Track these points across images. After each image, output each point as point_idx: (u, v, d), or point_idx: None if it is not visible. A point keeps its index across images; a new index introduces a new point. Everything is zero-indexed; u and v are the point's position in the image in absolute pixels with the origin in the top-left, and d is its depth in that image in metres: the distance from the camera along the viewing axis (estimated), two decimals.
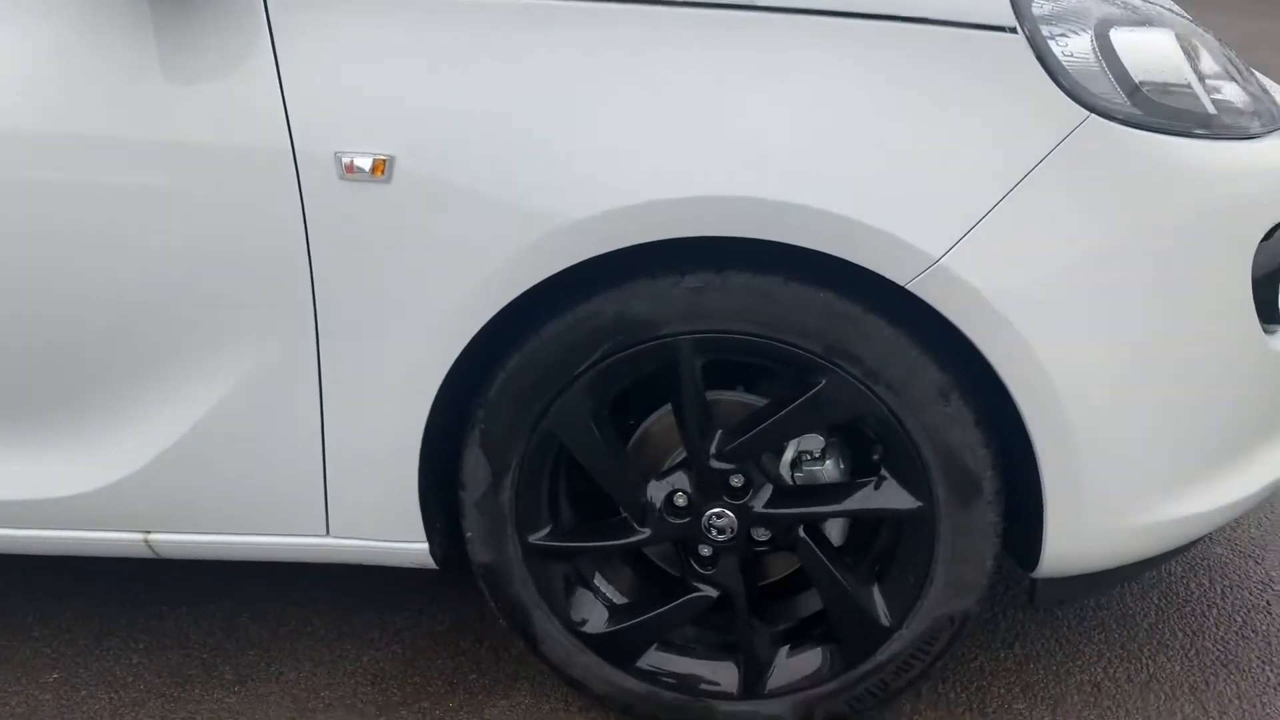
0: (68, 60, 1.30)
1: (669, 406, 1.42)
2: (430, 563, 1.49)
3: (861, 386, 1.28)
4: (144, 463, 1.46)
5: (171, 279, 1.34)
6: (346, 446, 1.40)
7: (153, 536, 1.53)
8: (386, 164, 1.26)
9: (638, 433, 1.46)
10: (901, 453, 1.31)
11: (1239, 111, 1.36)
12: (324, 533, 1.48)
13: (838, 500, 1.39)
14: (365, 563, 1.52)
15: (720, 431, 1.37)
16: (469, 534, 1.45)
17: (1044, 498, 1.31)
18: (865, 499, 1.36)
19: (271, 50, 1.27)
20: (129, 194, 1.32)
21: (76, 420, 1.46)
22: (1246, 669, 1.57)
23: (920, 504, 1.33)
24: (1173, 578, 1.78)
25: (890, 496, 1.35)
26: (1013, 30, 1.23)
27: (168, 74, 1.29)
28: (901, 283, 1.21)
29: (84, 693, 1.68)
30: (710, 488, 1.39)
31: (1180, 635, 1.65)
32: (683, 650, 1.50)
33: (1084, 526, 1.32)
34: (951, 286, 1.21)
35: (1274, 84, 1.62)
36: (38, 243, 1.34)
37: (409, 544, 1.47)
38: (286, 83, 1.27)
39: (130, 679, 1.70)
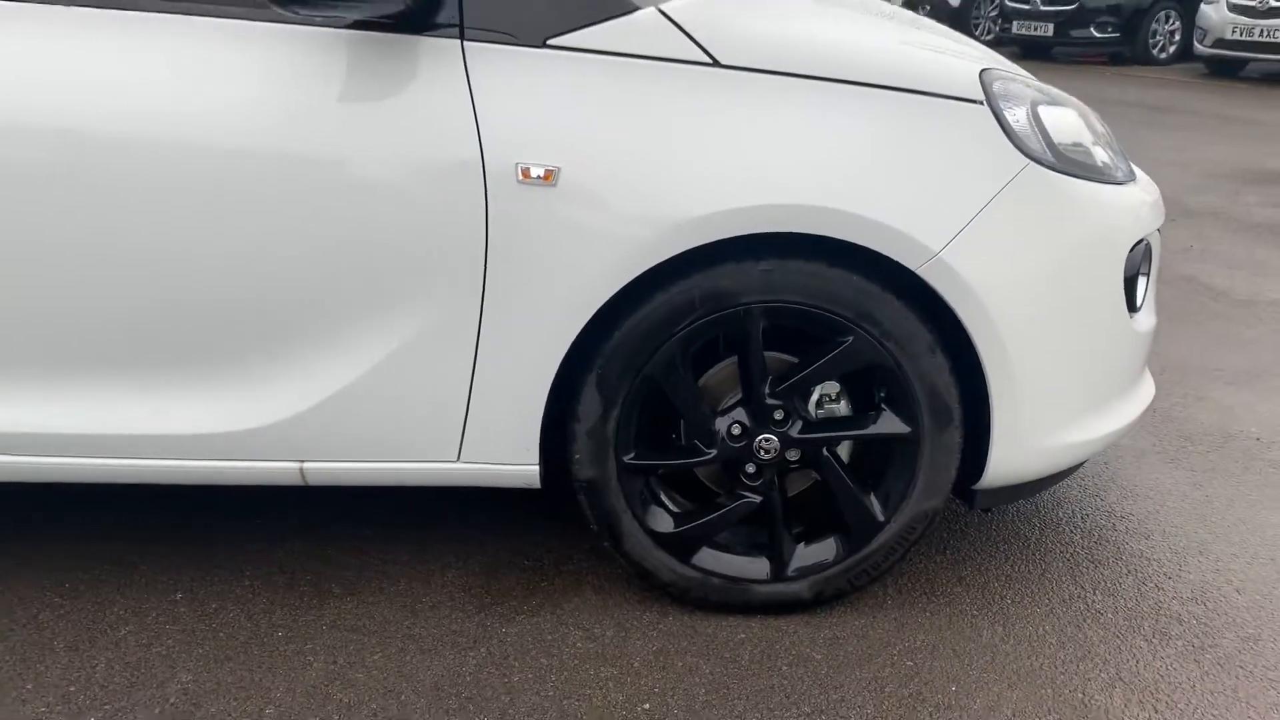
0: (312, 90, 1.72)
1: (725, 361, 1.93)
2: (536, 482, 1.94)
3: (877, 343, 1.83)
4: (315, 402, 1.85)
5: (373, 255, 1.76)
6: (491, 388, 1.84)
7: (307, 465, 1.91)
8: (555, 173, 1.73)
9: (701, 380, 1.95)
10: (900, 391, 1.87)
11: (1112, 165, 2.01)
12: (455, 459, 1.91)
13: (851, 428, 1.94)
14: (482, 484, 1.94)
15: (770, 377, 1.89)
16: (577, 455, 1.90)
17: (992, 425, 1.88)
18: (870, 426, 1.91)
19: (468, 85, 1.73)
20: (348, 189, 1.73)
21: (263, 366, 1.84)
22: (1099, 560, 2.20)
23: (910, 429, 1.89)
24: (1046, 508, 2.41)
25: (888, 424, 1.90)
26: (981, 103, 1.83)
27: (389, 101, 1.72)
28: (913, 268, 1.77)
29: (214, 605, 2.02)
30: (761, 419, 1.90)
31: (1055, 543, 2.27)
32: (726, 549, 2.00)
33: (1018, 446, 1.91)
34: (944, 272, 1.78)
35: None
36: (273, 224, 1.73)
37: (523, 466, 1.91)
38: (479, 110, 1.72)
39: (250, 595, 2.05)
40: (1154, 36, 11.27)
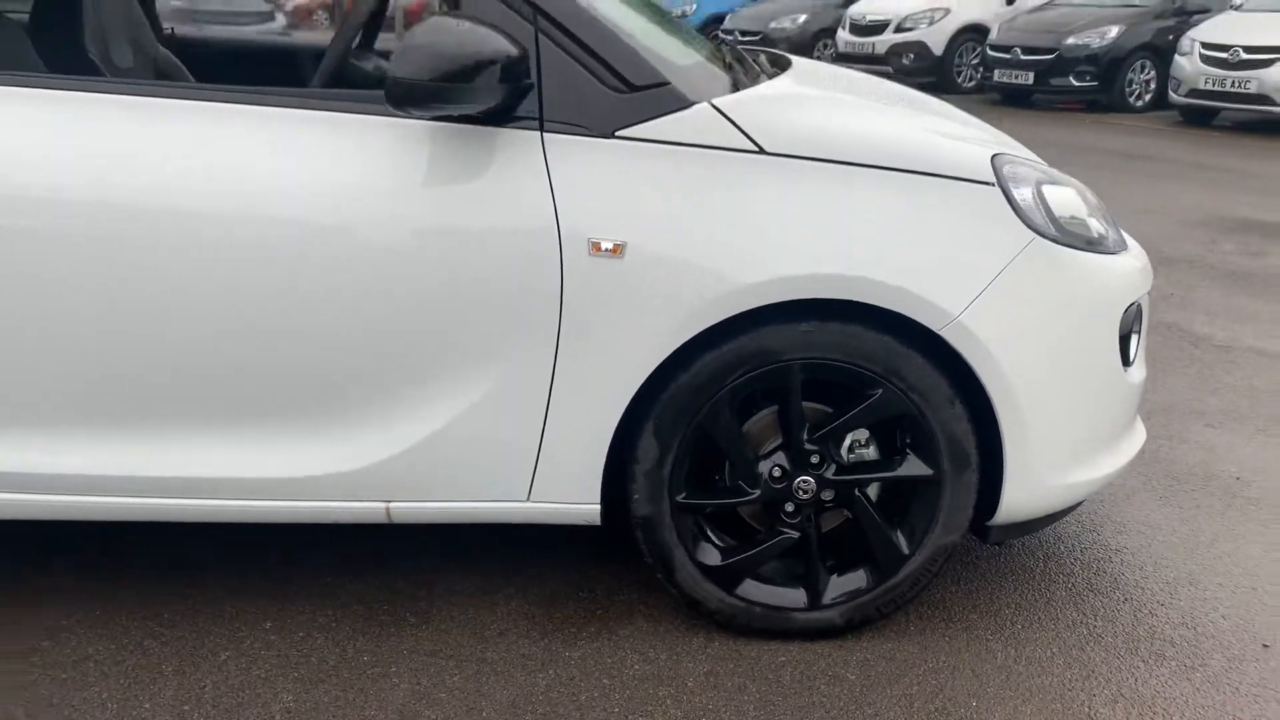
0: (407, 173, 1.95)
1: (766, 410, 2.16)
2: (597, 520, 2.16)
3: (903, 395, 2.07)
4: (403, 448, 2.07)
5: (460, 318, 1.99)
6: (559, 435, 2.07)
7: (393, 505, 2.13)
8: (622, 247, 1.97)
9: (745, 427, 2.18)
10: (923, 437, 2.10)
11: (1106, 236, 2.26)
12: (525, 499, 2.13)
13: (879, 471, 2.17)
14: (548, 521, 2.16)
15: (807, 425, 2.13)
16: (635, 495, 2.13)
17: (1004, 467, 2.12)
18: (896, 469, 2.15)
19: (546, 170, 1.97)
20: (438, 259, 1.96)
21: (357, 416, 2.06)
22: (1098, 590, 2.43)
23: (932, 472, 2.12)
24: (1049, 543, 2.64)
25: (912, 467, 2.13)
26: (993, 185, 2.09)
27: (477, 183, 1.96)
28: (936, 329, 2.02)
29: (301, 633, 2.23)
30: (800, 463, 2.13)
31: (1058, 574, 2.50)
32: (767, 580, 2.22)
33: (1027, 486, 2.15)
34: (963, 333, 2.02)
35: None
36: (373, 290, 1.96)
37: (586, 505, 2.13)
38: (556, 191, 1.96)
39: (333, 624, 2.26)
40: (1130, 85, 11.66)
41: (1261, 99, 10.00)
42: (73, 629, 2.20)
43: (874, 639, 2.23)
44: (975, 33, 13.35)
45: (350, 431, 2.08)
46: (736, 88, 2.22)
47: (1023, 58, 11.91)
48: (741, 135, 2.01)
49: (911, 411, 2.09)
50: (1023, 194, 2.12)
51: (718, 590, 2.19)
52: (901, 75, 13.40)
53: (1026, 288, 2.07)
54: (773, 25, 15.29)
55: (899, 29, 13.42)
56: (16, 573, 2.40)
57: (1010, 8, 13.36)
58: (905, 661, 2.17)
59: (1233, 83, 10.13)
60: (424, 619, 2.28)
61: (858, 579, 2.21)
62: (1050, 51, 11.67)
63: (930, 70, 13.45)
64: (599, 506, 2.14)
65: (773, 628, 2.22)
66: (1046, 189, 2.18)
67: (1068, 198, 2.22)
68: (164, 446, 2.07)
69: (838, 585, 2.22)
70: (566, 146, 1.98)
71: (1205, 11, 11.67)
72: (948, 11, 13.43)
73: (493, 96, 1.88)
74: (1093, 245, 2.20)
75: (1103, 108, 11.73)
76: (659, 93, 2.00)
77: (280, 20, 13.73)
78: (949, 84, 13.52)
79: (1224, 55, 10.17)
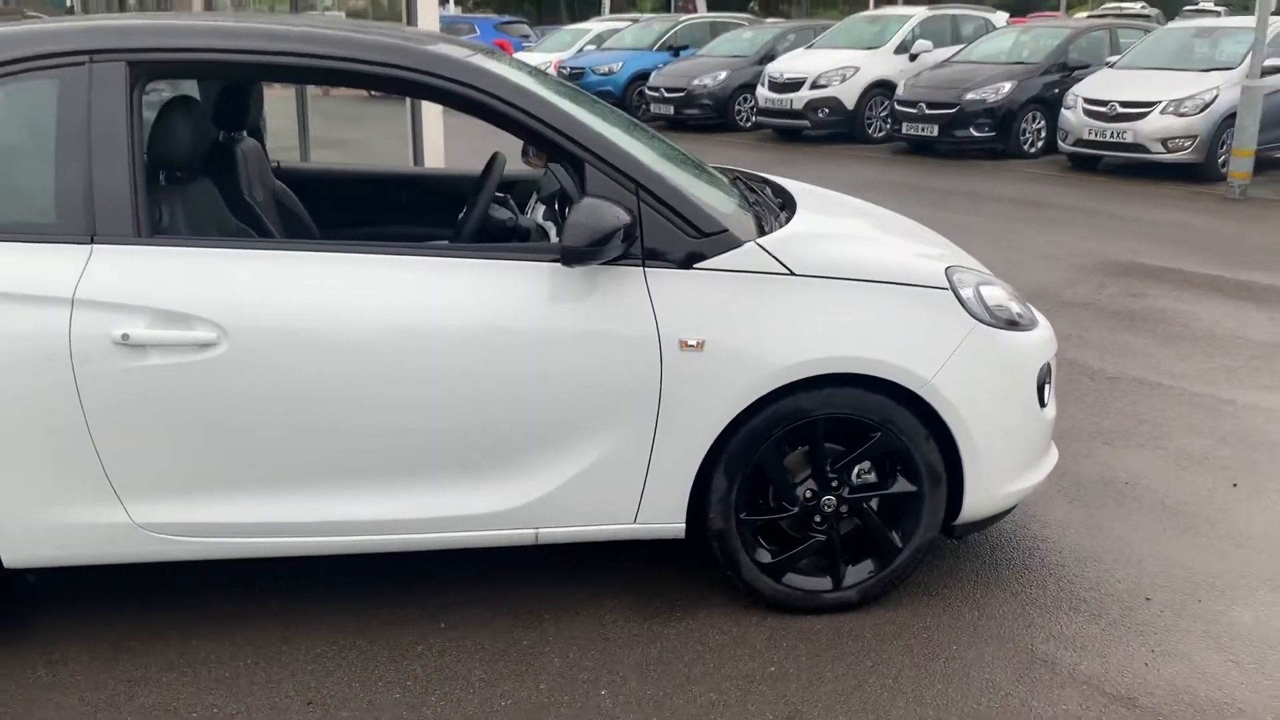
0: (545, 299, 2.82)
1: (798, 449, 3.06)
2: (682, 534, 3.04)
3: (895, 436, 3.00)
4: (550, 490, 2.93)
5: (590, 396, 2.86)
6: (658, 475, 2.94)
7: (540, 531, 2.99)
8: (703, 343, 2.86)
9: (784, 461, 3.08)
10: (909, 465, 3.03)
11: (1025, 317, 3.23)
12: (633, 521, 3.00)
13: (879, 490, 3.09)
14: (646, 538, 3.03)
15: (829, 459, 3.04)
16: (711, 515, 3.01)
17: (964, 483, 3.06)
18: (891, 488, 3.07)
19: (648, 292, 2.86)
20: (575, 357, 2.83)
21: (519, 468, 2.91)
22: (1030, 567, 3.38)
23: (916, 488, 3.05)
24: (992, 535, 3.59)
25: (902, 486, 3.06)
26: (947, 289, 3.04)
27: (599, 302, 2.84)
28: (915, 390, 2.95)
29: (474, 639, 3.06)
30: (824, 486, 3.05)
31: (1001, 557, 3.45)
32: (803, 572, 3.12)
33: (980, 495, 3.08)
34: (933, 391, 2.96)
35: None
36: (528, 379, 2.82)
37: (675, 524, 3.01)
38: (655, 306, 2.84)
39: (504, 625, 3.09)
40: (1024, 134, 12.97)
41: (1137, 147, 11.32)
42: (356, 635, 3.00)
43: (880, 609, 3.15)
44: (883, 88, 14.59)
45: (513, 479, 2.92)
46: (760, 224, 3.13)
47: (927, 111, 13.14)
48: (778, 263, 2.93)
49: (901, 447, 3.02)
50: (967, 294, 3.08)
51: (770, 581, 3.09)
52: (817, 128, 14.60)
53: (973, 358, 3.02)
54: (695, 83, 16.37)
55: (814, 85, 14.59)
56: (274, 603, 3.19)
57: (913, 65, 14.64)
58: (903, 623, 3.09)
59: (1112, 133, 11.44)
60: (559, 615, 3.13)
61: (866, 567, 3.13)
62: (952, 106, 12.92)
63: (843, 123, 14.65)
64: (684, 525, 3.02)
65: (809, 605, 3.12)
66: (983, 288, 3.15)
67: (997, 293, 3.19)
68: (380, 497, 2.88)
69: (853, 573, 3.13)
70: (661, 276, 2.88)
71: (1085, 67, 13.05)
72: (857, 69, 14.65)
73: (618, 250, 2.76)
74: (1014, 325, 3.16)
75: (1000, 154, 13.01)
76: (721, 237, 2.91)
77: None
78: (861, 135, 14.74)
79: (1103, 109, 11.49)
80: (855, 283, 2.97)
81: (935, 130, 13.09)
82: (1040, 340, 3.23)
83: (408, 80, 2.86)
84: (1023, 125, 12.93)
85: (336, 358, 2.76)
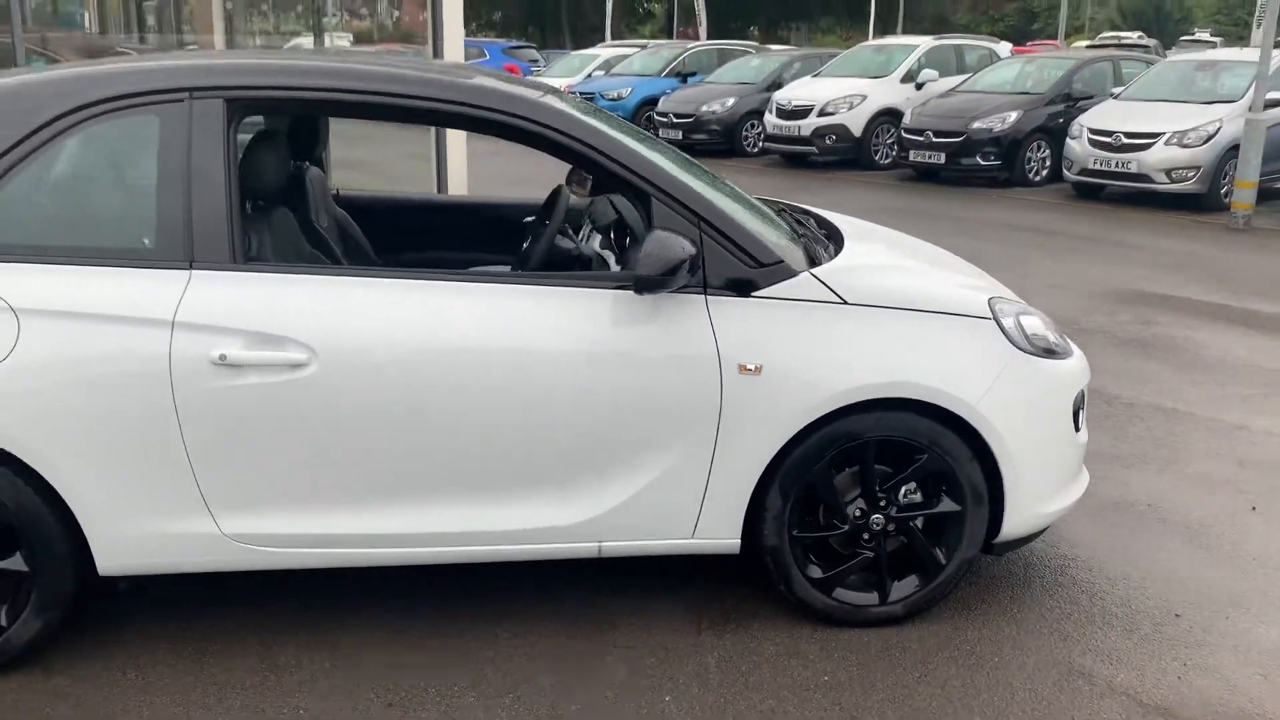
0: (613, 324, 2.98)
1: (848, 469, 3.23)
2: (737, 550, 3.20)
3: (941, 458, 3.16)
4: (613, 505, 3.09)
5: (653, 417, 3.02)
6: (716, 492, 3.10)
7: (603, 544, 3.14)
8: (760, 367, 3.03)
9: (834, 481, 3.25)
10: (954, 486, 3.20)
11: (1061, 345, 3.40)
12: (691, 536, 3.16)
13: (924, 509, 3.25)
14: (704, 552, 3.19)
15: (878, 480, 3.21)
16: (766, 531, 3.17)
17: (1005, 503, 3.22)
18: (936, 507, 3.24)
19: (709, 319, 3.02)
20: (639, 378, 3.00)
21: (583, 484, 3.07)
22: (1062, 584, 3.54)
23: (960, 508, 3.22)
24: (1026, 556, 3.75)
25: (946, 505, 3.22)
26: (990, 319, 3.22)
27: (664, 327, 3.00)
28: (961, 414, 3.11)
29: (552, 647, 3.21)
30: (873, 505, 3.21)
31: (1035, 574, 3.61)
32: (852, 587, 3.28)
33: (1019, 514, 3.25)
34: (978, 415, 3.12)
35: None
36: (592, 399, 2.98)
37: (731, 540, 3.17)
38: (716, 332, 3.01)
39: (582, 637, 3.25)
40: (1029, 163, 13.21)
41: (1141, 177, 11.56)
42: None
43: (924, 623, 3.31)
44: (890, 116, 14.84)
45: (580, 495, 3.08)
46: (810, 255, 3.30)
47: (934, 140, 13.38)
48: (831, 292, 3.11)
49: (946, 468, 3.18)
50: (1008, 323, 3.26)
51: (821, 595, 3.25)
52: (825, 154, 14.83)
53: (1014, 384, 3.19)
54: (704, 109, 16.62)
55: (822, 113, 14.83)
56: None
57: (919, 93, 14.90)
58: (947, 636, 3.25)
59: (1117, 163, 11.68)
60: (616, 626, 3.28)
61: (911, 583, 3.29)
62: (959, 135, 13.16)
63: (850, 150, 14.89)
64: (739, 540, 3.18)
65: (857, 619, 3.27)
66: (1023, 318, 3.33)
67: (1035, 323, 3.36)
68: (455, 511, 3.03)
69: (898, 588, 3.29)
70: (721, 304, 3.05)
71: (1089, 98, 13.31)
72: (864, 97, 14.90)
73: (685, 279, 2.94)
74: (1051, 353, 3.33)
75: (1006, 183, 13.24)
76: (777, 268, 3.09)
77: None
78: (868, 162, 14.98)
79: (1108, 139, 11.73)
80: (905, 312, 3.14)
81: (942, 158, 13.32)
82: (1075, 368, 3.41)
83: (490, 120, 3.04)
84: (1028, 154, 13.17)
85: (417, 379, 2.92)
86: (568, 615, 3.33)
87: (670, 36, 44.11)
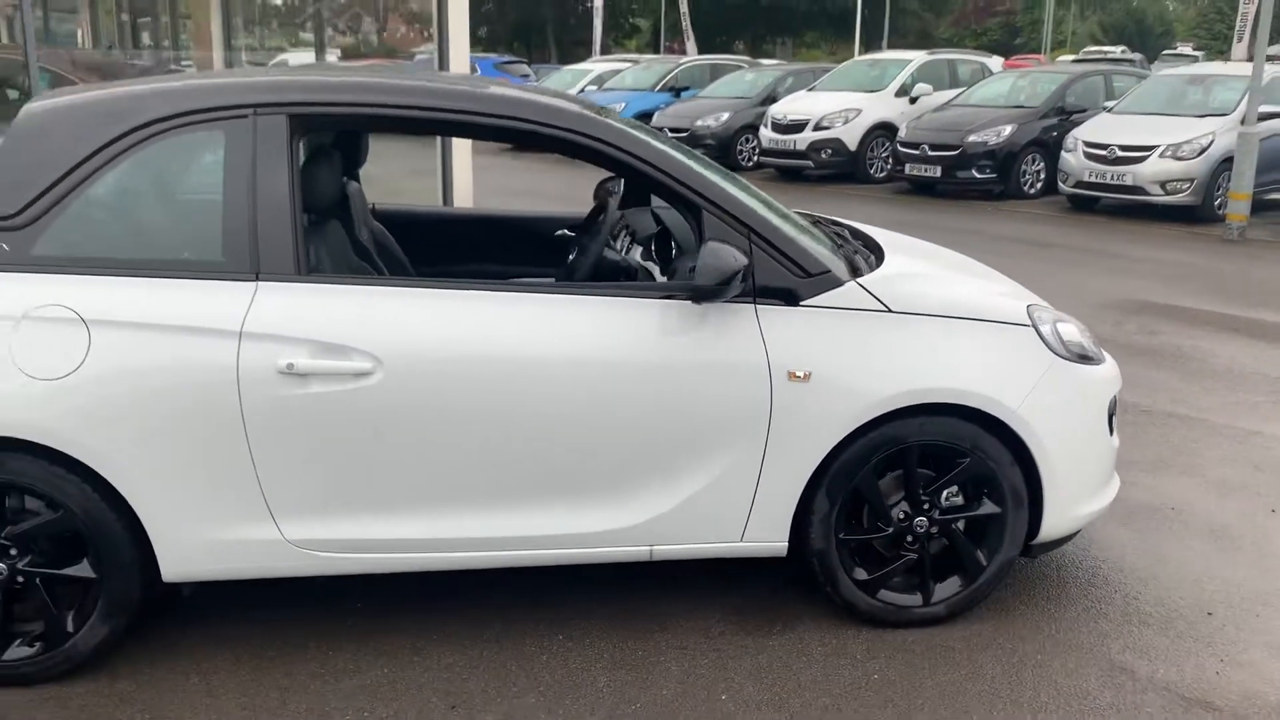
0: (666, 332, 3.07)
1: (892, 473, 3.31)
2: (784, 553, 3.27)
3: (983, 461, 3.25)
4: (666, 510, 3.16)
5: (705, 423, 3.10)
6: (765, 497, 3.18)
7: (655, 547, 3.22)
8: (809, 374, 3.12)
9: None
10: (995, 489, 3.29)
11: (1095, 352, 3.50)
12: (739, 540, 3.24)
13: (966, 511, 3.34)
14: (749, 555, 3.27)
15: (921, 483, 3.29)
16: (813, 535, 3.25)
17: (1044, 505, 3.31)
18: (977, 509, 3.32)
19: (759, 328, 3.11)
20: (692, 385, 3.08)
21: (635, 489, 3.14)
22: (1095, 583, 3.63)
23: (1000, 510, 3.31)
24: (1058, 556, 3.84)
25: (987, 508, 3.31)
26: (1029, 326, 3.31)
27: (714, 335, 3.09)
28: (1003, 419, 3.20)
29: (596, 651, 3.28)
30: (917, 507, 3.29)
31: (1069, 576, 3.69)
32: (894, 588, 3.36)
33: (1057, 516, 3.34)
34: (1019, 420, 3.21)
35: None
36: (648, 405, 3.06)
37: (778, 543, 3.25)
38: (766, 341, 3.10)
39: (628, 638, 3.31)
40: (1024, 176, 13.37)
41: (1136, 189, 11.73)
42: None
43: (966, 623, 3.39)
44: (884, 130, 15.00)
45: (633, 500, 3.15)
46: (852, 265, 3.39)
47: (930, 153, 13.54)
48: (877, 301, 3.20)
49: (988, 472, 3.27)
50: (1046, 330, 3.35)
51: (866, 596, 3.32)
52: (820, 168, 14.97)
53: (1052, 390, 3.29)
54: (698, 123, 16.76)
55: (817, 127, 14.98)
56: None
57: (913, 108, 15.07)
58: (989, 636, 3.33)
59: (1111, 176, 11.85)
60: (665, 628, 3.35)
61: (953, 584, 3.37)
62: (954, 148, 13.32)
63: (846, 164, 15.04)
64: (787, 543, 3.26)
65: (900, 620, 3.35)
66: (1059, 325, 3.42)
67: (1070, 330, 3.46)
68: (512, 515, 3.10)
69: (940, 589, 3.37)
70: (771, 313, 3.13)
71: (1082, 111, 13.49)
72: (859, 111, 15.06)
73: (736, 289, 3.02)
74: (1085, 359, 3.43)
75: (1000, 196, 13.40)
76: (824, 277, 3.18)
77: None
78: (863, 176, 15.12)
79: (1103, 153, 11.90)
80: (948, 319, 3.23)
81: (938, 171, 13.47)
82: (1109, 374, 3.50)
83: (551, 136, 3.13)
84: (1023, 167, 13.34)
85: (477, 386, 2.99)
86: (618, 619, 3.40)
87: (656, 51, 44.34)
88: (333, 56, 18.11)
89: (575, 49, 45.75)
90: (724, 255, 2.98)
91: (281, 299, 2.94)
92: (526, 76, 24.90)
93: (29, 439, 2.86)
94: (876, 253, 3.63)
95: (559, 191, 13.42)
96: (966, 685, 3.08)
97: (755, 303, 3.13)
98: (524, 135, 3.19)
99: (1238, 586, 3.67)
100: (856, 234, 3.96)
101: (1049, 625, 3.40)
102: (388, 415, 2.97)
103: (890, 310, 3.20)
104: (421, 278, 3.63)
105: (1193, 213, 11.55)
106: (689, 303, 3.09)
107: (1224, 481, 4.60)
